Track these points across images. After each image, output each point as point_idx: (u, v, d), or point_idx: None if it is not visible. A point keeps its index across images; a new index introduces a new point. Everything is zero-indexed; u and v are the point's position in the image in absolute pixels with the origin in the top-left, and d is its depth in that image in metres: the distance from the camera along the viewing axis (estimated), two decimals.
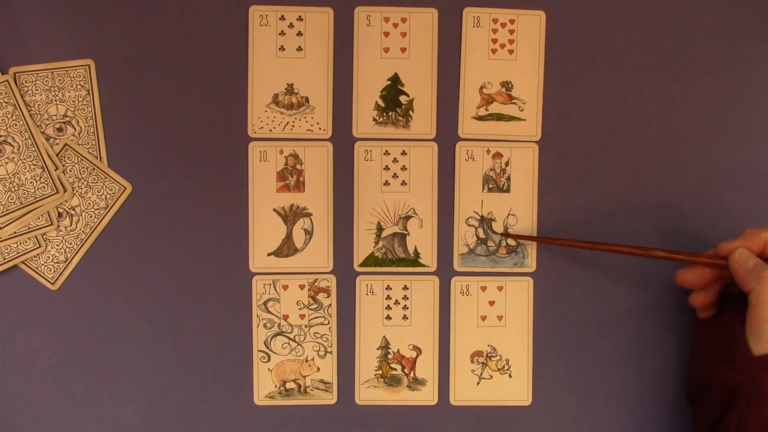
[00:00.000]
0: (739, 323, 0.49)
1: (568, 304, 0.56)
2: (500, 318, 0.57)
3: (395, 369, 0.56)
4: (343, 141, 0.56)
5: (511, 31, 0.56)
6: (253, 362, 0.56)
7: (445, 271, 0.56)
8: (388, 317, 0.56)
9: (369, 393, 0.56)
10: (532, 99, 0.56)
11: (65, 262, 0.55)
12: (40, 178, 0.54)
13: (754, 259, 0.49)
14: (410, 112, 0.56)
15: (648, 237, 0.56)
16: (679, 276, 0.52)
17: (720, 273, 0.51)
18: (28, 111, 0.55)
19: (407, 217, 0.56)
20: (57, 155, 0.55)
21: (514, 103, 0.56)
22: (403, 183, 0.56)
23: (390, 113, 0.56)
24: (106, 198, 0.55)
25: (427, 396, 0.56)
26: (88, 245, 0.55)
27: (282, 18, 0.55)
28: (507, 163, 0.56)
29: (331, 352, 0.56)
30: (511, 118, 0.56)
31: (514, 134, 0.56)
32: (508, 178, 0.56)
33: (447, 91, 0.56)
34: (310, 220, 0.56)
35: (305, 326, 0.56)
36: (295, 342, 0.56)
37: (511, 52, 0.56)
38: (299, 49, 0.56)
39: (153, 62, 0.55)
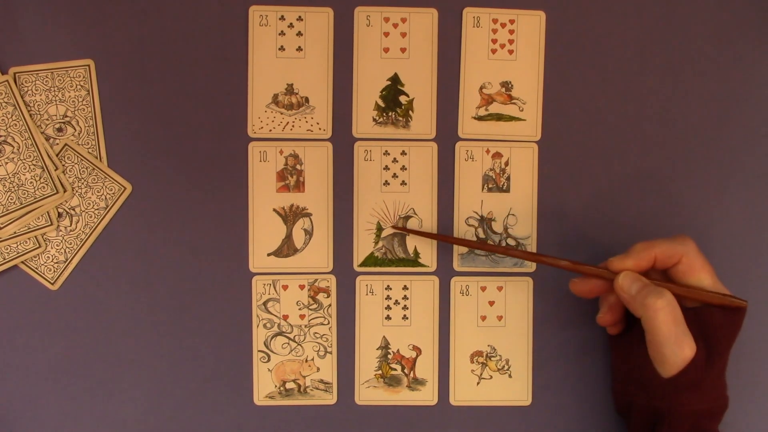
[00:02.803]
0: (644, 347, 0.48)
1: (568, 304, 0.56)
2: (500, 318, 0.57)
3: (395, 369, 0.56)
4: (342, 141, 0.56)
5: (511, 32, 0.56)
6: (253, 362, 0.56)
7: (445, 271, 0.56)
8: (388, 317, 0.56)
9: (369, 393, 0.56)
10: (532, 99, 0.56)
11: (65, 262, 0.55)
12: (40, 178, 0.54)
13: (637, 284, 0.47)
14: (410, 112, 0.56)
15: (648, 237, 0.56)
16: (571, 285, 0.51)
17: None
18: (28, 111, 0.55)
19: (407, 217, 0.56)
20: (57, 155, 0.55)
21: (514, 103, 0.56)
22: (403, 183, 0.56)
23: (390, 113, 0.56)
24: (106, 198, 0.55)
25: (427, 396, 0.56)
26: (88, 245, 0.55)
27: (282, 18, 0.55)
28: (507, 163, 0.56)
29: (331, 352, 0.56)
30: (511, 118, 0.56)
31: (514, 134, 0.56)
32: (508, 178, 0.56)
33: (447, 91, 0.56)
34: (310, 220, 0.56)
35: (305, 326, 0.56)
36: (295, 342, 0.56)
37: (511, 52, 0.56)
38: (299, 49, 0.56)
39: (153, 62, 0.55)
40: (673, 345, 0.46)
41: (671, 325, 0.46)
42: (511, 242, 0.56)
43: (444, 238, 0.54)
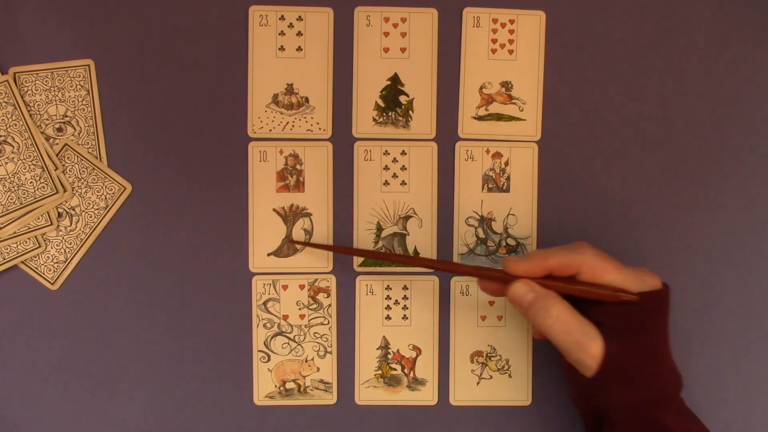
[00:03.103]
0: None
1: None
2: (500, 318, 0.57)
3: (395, 369, 0.56)
4: (342, 141, 0.56)
5: (511, 31, 0.56)
6: (253, 362, 0.56)
7: (444, 272, 0.56)
8: (388, 317, 0.56)
9: (369, 393, 0.56)
10: (532, 99, 0.56)
11: (65, 262, 0.55)
12: (40, 178, 0.54)
13: (528, 295, 0.47)
14: (410, 112, 0.56)
15: (648, 237, 0.56)
16: (480, 285, 0.51)
17: None
18: (28, 111, 0.55)
19: (407, 217, 0.56)
20: (57, 155, 0.55)
21: (514, 103, 0.56)
22: (403, 183, 0.56)
23: (390, 113, 0.56)
24: (106, 198, 0.55)
25: (427, 396, 0.56)
26: (88, 245, 0.55)
27: (282, 18, 0.55)
28: (507, 163, 0.56)
29: (331, 352, 0.56)
30: (511, 118, 0.56)
31: (514, 134, 0.56)
32: (508, 178, 0.56)
33: (447, 91, 0.56)
34: (310, 220, 0.56)
35: (305, 326, 0.56)
36: (295, 342, 0.56)
37: (511, 52, 0.56)
38: (299, 49, 0.56)
39: (153, 62, 0.55)
40: (576, 350, 0.46)
41: (566, 335, 0.46)
42: (511, 242, 0.56)
43: (341, 249, 0.54)
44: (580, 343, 0.46)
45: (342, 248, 0.55)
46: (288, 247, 0.56)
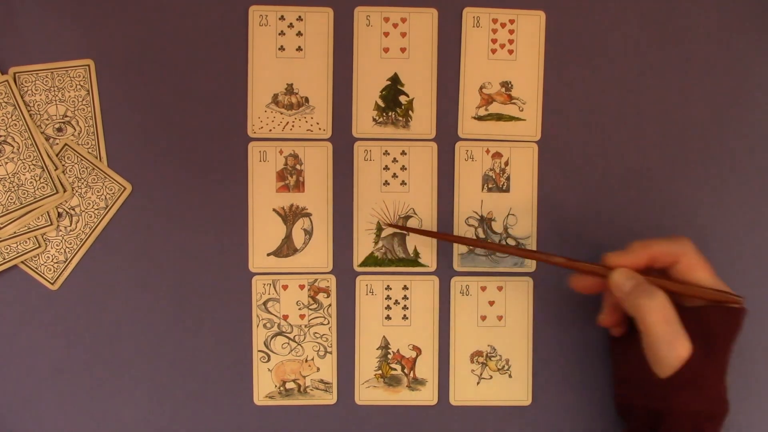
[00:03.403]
0: (641, 347, 0.47)
1: (568, 303, 0.56)
2: (500, 318, 0.57)
3: (395, 369, 0.56)
4: (342, 141, 0.56)
5: (511, 31, 0.56)
6: (253, 362, 0.56)
7: (444, 271, 0.56)
8: (388, 317, 0.56)
9: (369, 393, 0.56)
10: (532, 99, 0.56)
11: (65, 262, 0.55)
12: (40, 178, 0.54)
13: (631, 281, 0.47)
14: (410, 112, 0.56)
15: (648, 237, 0.56)
16: (572, 281, 0.51)
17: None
18: (28, 111, 0.55)
19: (407, 217, 0.56)
20: (57, 155, 0.55)
21: (514, 103, 0.56)
22: (403, 183, 0.56)
23: (390, 113, 0.56)
24: (106, 198, 0.55)
25: (427, 396, 0.56)
26: (88, 245, 0.55)
27: (282, 18, 0.55)
28: (507, 163, 0.56)
29: (331, 352, 0.56)
30: (511, 118, 0.56)
31: (514, 134, 0.56)
32: (508, 178, 0.56)
33: (447, 91, 0.56)
34: (310, 220, 0.56)
35: (305, 326, 0.56)
36: (295, 342, 0.56)
37: (510, 52, 0.56)
38: (299, 49, 0.56)
39: (153, 62, 0.55)
40: (666, 345, 0.46)
41: (663, 325, 0.46)
42: (511, 242, 0.56)
43: (443, 236, 0.54)
44: (673, 339, 0.45)
45: (443, 235, 0.54)
46: (288, 246, 0.56)
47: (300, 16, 0.55)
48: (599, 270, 0.49)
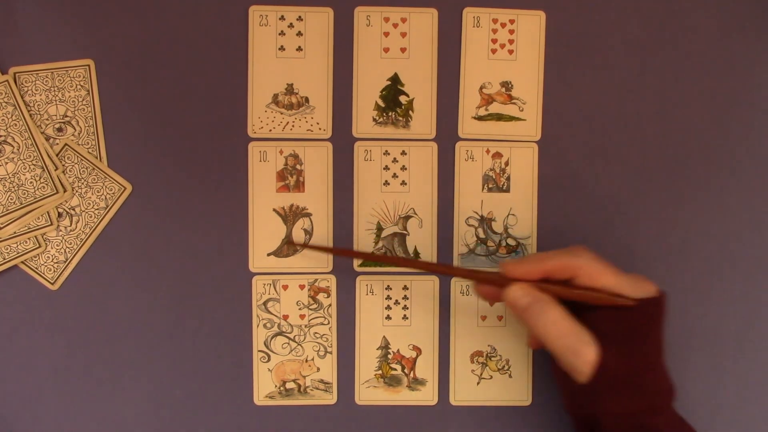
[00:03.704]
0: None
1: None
2: (500, 318, 0.57)
3: (395, 369, 0.56)
4: (342, 141, 0.56)
5: (511, 31, 0.56)
6: (253, 362, 0.56)
7: None
8: (388, 317, 0.56)
9: (369, 393, 0.56)
10: (532, 99, 0.56)
11: (65, 262, 0.55)
12: (40, 178, 0.54)
13: (525, 299, 0.47)
14: (410, 112, 0.56)
15: (647, 237, 0.56)
16: (475, 290, 0.51)
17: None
18: (28, 111, 0.55)
19: (407, 217, 0.56)
20: (57, 155, 0.55)
21: (514, 103, 0.56)
22: (403, 183, 0.56)
23: (390, 113, 0.56)
24: (106, 198, 0.55)
25: (427, 396, 0.56)
26: (88, 245, 0.55)
27: (282, 18, 0.55)
28: (507, 163, 0.56)
29: (331, 352, 0.56)
30: (511, 118, 0.56)
31: (514, 134, 0.56)
32: (508, 178, 0.56)
33: (447, 91, 0.56)
34: (310, 220, 0.56)
35: (305, 326, 0.56)
36: (295, 342, 0.56)
37: (511, 52, 0.56)
38: (299, 49, 0.56)
39: (153, 62, 0.55)
40: (571, 355, 0.46)
41: (562, 339, 0.46)
42: (511, 242, 0.56)
43: (339, 251, 0.55)
44: (575, 348, 0.46)
45: (340, 250, 0.55)
46: (288, 247, 0.56)
47: (300, 16, 0.55)
48: (498, 280, 0.49)
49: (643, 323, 0.47)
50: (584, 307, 0.47)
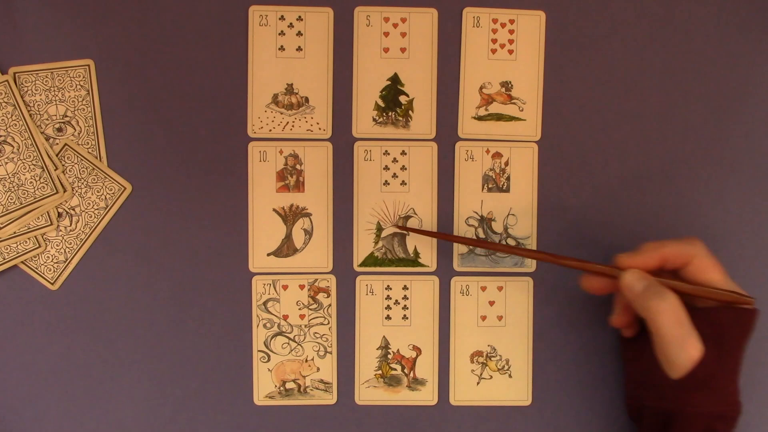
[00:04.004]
0: (653, 348, 0.47)
1: (568, 304, 0.56)
2: (500, 318, 0.57)
3: (395, 369, 0.56)
4: (342, 141, 0.56)
5: (511, 31, 0.56)
6: (253, 362, 0.56)
7: (445, 271, 0.56)
8: (388, 317, 0.56)
9: (369, 393, 0.56)
10: (532, 99, 0.56)
11: (65, 262, 0.55)
12: (40, 178, 0.54)
13: (641, 282, 0.47)
14: (410, 112, 0.56)
15: (647, 237, 0.56)
16: (583, 282, 0.51)
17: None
18: (28, 111, 0.55)
19: (407, 217, 0.56)
20: (57, 155, 0.55)
21: (514, 103, 0.56)
22: (403, 183, 0.56)
23: (390, 113, 0.56)
24: (105, 198, 0.55)
25: (427, 396, 0.56)
26: (87, 245, 0.55)
27: (282, 18, 0.55)
28: (507, 163, 0.56)
29: (331, 352, 0.56)
30: (511, 118, 0.56)
31: (514, 134, 0.56)
32: (508, 178, 0.56)
33: (447, 91, 0.56)
34: (310, 220, 0.56)
35: (305, 326, 0.56)
36: (295, 342, 0.56)
37: (511, 52, 0.56)
38: (299, 49, 0.56)
39: (153, 62, 0.55)
40: (678, 346, 0.45)
41: (674, 327, 0.46)
42: (511, 242, 0.56)
43: (445, 236, 0.54)
44: (684, 340, 0.45)
45: (445, 235, 0.54)
46: (288, 246, 0.56)
47: (300, 16, 0.55)
48: (610, 271, 0.49)
49: (744, 330, 0.47)
50: (687, 306, 0.47)
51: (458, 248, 0.56)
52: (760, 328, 0.56)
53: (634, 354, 0.51)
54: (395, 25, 0.56)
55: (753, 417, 0.57)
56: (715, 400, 0.46)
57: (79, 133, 0.55)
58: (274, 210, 0.56)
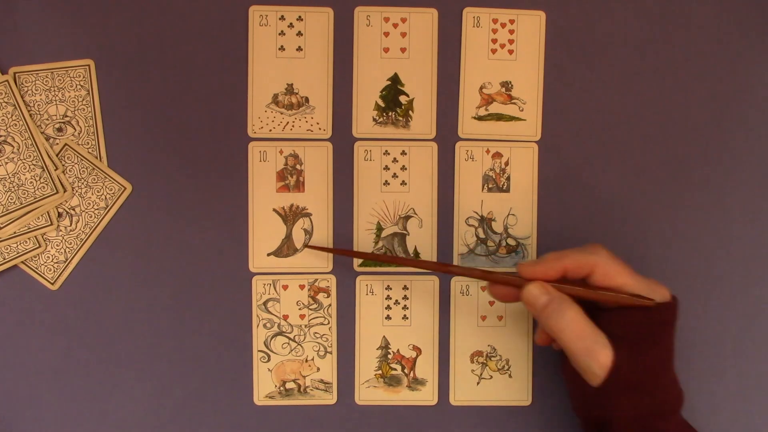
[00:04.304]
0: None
1: None
2: (500, 318, 0.57)
3: (395, 369, 0.56)
4: (342, 141, 0.56)
5: (511, 31, 0.56)
6: (253, 362, 0.56)
7: None
8: (388, 317, 0.56)
9: (369, 393, 0.56)
10: (532, 99, 0.56)
11: (65, 262, 0.55)
12: (40, 178, 0.54)
13: (542, 298, 0.47)
14: (410, 112, 0.56)
15: (647, 237, 0.56)
16: (489, 290, 0.51)
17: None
18: (28, 111, 0.55)
19: (407, 217, 0.56)
20: (57, 155, 0.55)
21: (514, 103, 0.56)
22: (403, 183, 0.56)
23: (390, 113, 0.56)
24: (106, 198, 0.55)
25: (427, 396, 0.56)
26: (88, 245, 0.55)
27: (282, 18, 0.55)
28: (507, 163, 0.56)
29: (331, 352, 0.56)
30: (511, 118, 0.56)
31: (514, 134, 0.56)
32: (508, 178, 0.56)
33: (447, 91, 0.56)
34: (310, 220, 0.56)
35: (305, 326, 0.56)
36: (295, 342, 0.56)
37: (511, 52, 0.56)
38: (299, 49, 0.56)
39: (153, 62, 0.55)
40: (586, 357, 0.46)
41: (578, 341, 0.46)
42: (511, 242, 0.56)
43: (342, 252, 0.54)
44: (591, 350, 0.45)
45: (344, 251, 0.55)
46: (288, 246, 0.56)
47: (300, 16, 0.55)
48: (514, 281, 0.49)
49: (658, 327, 0.47)
50: (597, 308, 0.47)
51: (458, 248, 0.56)
52: (757, 328, 0.56)
53: (563, 367, 0.50)
54: (395, 25, 0.56)
55: (753, 417, 0.57)
56: (641, 400, 0.46)
57: (79, 133, 0.55)
58: (274, 210, 0.56)
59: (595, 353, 0.45)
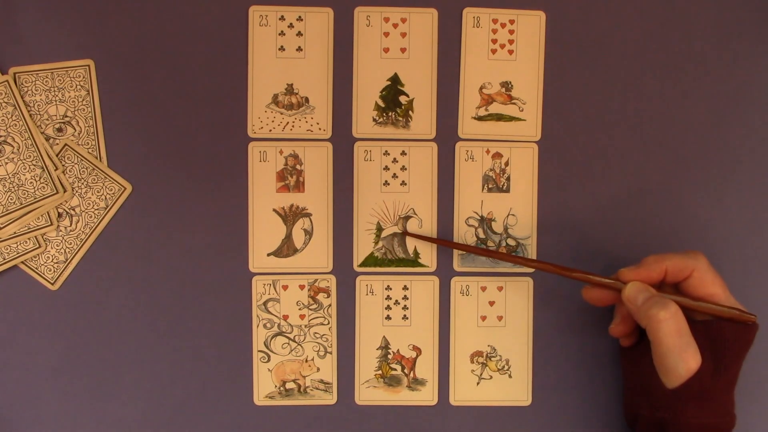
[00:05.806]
0: (651, 357, 0.48)
1: (568, 304, 0.56)
2: (500, 318, 0.57)
3: (395, 369, 0.56)
4: (342, 141, 0.56)
5: (511, 32, 0.56)
6: (253, 362, 0.56)
7: (445, 272, 0.56)
8: (388, 317, 0.56)
9: (369, 393, 0.56)
10: (532, 99, 0.56)
11: (65, 262, 0.55)
12: (40, 178, 0.54)
13: (644, 294, 0.47)
14: (410, 112, 0.56)
15: (647, 237, 0.56)
16: (585, 293, 0.51)
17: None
18: (28, 111, 0.55)
19: (407, 217, 0.56)
20: (57, 155, 0.55)
21: (514, 104, 0.56)
22: (403, 183, 0.56)
23: (390, 113, 0.56)
24: (105, 198, 0.55)
25: (427, 396, 0.56)
26: (88, 245, 0.55)
27: (282, 18, 0.55)
28: (507, 163, 0.56)
29: (331, 352, 0.56)
30: (511, 119, 0.56)
31: (514, 134, 0.56)
32: (508, 178, 0.56)
33: (447, 92, 0.56)
34: (310, 220, 0.56)
35: (305, 326, 0.56)
36: (295, 342, 0.56)
37: (511, 52, 0.56)
38: (299, 49, 0.56)
39: (153, 62, 0.55)
40: (676, 356, 0.46)
41: (674, 337, 0.46)
42: (511, 242, 0.56)
43: (446, 243, 0.54)
44: (683, 350, 0.46)
45: (445, 242, 0.55)
46: (288, 247, 0.56)
47: (300, 16, 0.55)
48: (613, 284, 0.50)
49: (743, 345, 0.48)
50: (688, 317, 0.47)
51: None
52: (760, 329, 0.56)
53: (632, 363, 0.51)
54: (395, 25, 0.56)
55: (753, 417, 0.57)
56: (709, 412, 0.46)
57: (79, 133, 0.55)
58: (274, 210, 0.56)
59: (686, 355, 0.46)
